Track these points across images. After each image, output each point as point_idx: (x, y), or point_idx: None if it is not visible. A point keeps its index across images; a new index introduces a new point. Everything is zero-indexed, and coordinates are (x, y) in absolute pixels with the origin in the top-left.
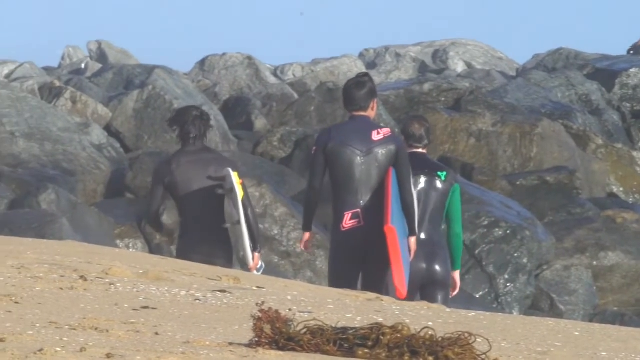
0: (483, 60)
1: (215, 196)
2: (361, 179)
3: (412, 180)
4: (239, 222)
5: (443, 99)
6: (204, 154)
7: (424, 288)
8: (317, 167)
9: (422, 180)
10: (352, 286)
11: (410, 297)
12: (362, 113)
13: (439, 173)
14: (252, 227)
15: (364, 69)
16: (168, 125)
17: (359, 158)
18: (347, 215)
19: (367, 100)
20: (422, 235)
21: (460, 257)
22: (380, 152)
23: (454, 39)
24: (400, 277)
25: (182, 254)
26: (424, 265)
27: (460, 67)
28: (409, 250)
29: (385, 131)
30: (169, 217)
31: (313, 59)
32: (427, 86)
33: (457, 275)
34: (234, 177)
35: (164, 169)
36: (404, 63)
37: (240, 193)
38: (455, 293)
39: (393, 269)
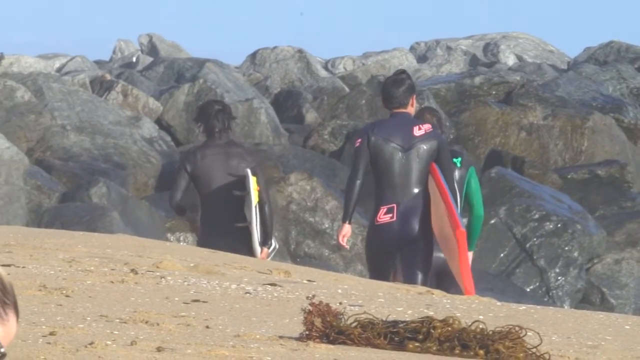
0: (534, 53)
1: (240, 182)
2: (401, 174)
3: (453, 175)
4: (250, 224)
5: (494, 92)
6: (229, 147)
7: (440, 276)
8: (360, 160)
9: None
10: (384, 279)
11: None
12: (402, 110)
13: (454, 160)
14: (266, 224)
15: (414, 63)
16: (194, 121)
17: (400, 154)
18: (383, 210)
19: (406, 97)
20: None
21: (476, 239)
22: (422, 147)
23: (505, 32)
24: (469, 278)
25: (203, 245)
26: (440, 255)
27: (511, 61)
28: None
29: (427, 127)
30: None
31: (364, 52)
32: (478, 79)
33: (470, 256)
34: (252, 181)
35: (189, 159)
36: (454, 56)
37: (255, 199)
38: None
39: (462, 273)
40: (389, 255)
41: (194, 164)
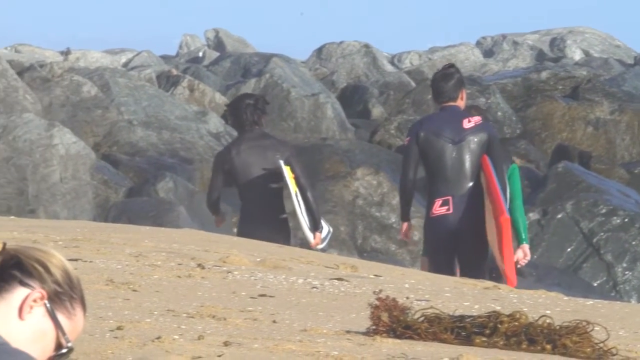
0: (600, 48)
1: (276, 174)
2: (453, 167)
3: (504, 167)
4: (295, 213)
5: (560, 87)
6: (262, 140)
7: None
8: (410, 158)
9: None
10: (445, 271)
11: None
12: (452, 103)
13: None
14: (312, 209)
15: (481, 57)
16: (227, 114)
17: (450, 147)
18: (438, 202)
19: (456, 91)
20: None
21: (524, 230)
22: (472, 140)
23: (572, 27)
24: (511, 266)
25: (241, 237)
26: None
27: (577, 55)
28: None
29: (476, 119)
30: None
31: (430, 47)
32: (544, 74)
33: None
34: (287, 172)
35: (224, 157)
36: (521, 51)
37: (293, 188)
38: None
39: (505, 259)
40: (448, 247)
41: (229, 160)
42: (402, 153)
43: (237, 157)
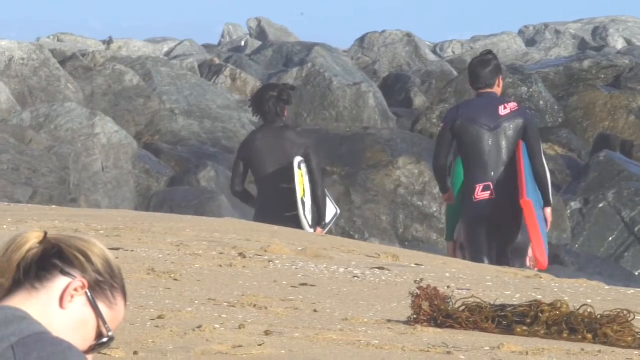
0: None
1: (288, 173)
2: (490, 153)
3: (542, 152)
4: (298, 214)
5: (602, 76)
6: (282, 132)
7: None
8: (443, 144)
9: None
10: (486, 255)
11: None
12: (489, 90)
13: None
14: (319, 206)
15: (523, 46)
16: (249, 106)
17: (487, 133)
18: (479, 187)
19: (492, 78)
20: None
21: (450, 225)
22: (509, 126)
23: (614, 15)
24: (540, 248)
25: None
26: None
27: (620, 44)
28: (545, 221)
29: (512, 105)
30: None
31: (472, 36)
32: (586, 63)
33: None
34: (297, 175)
35: (244, 145)
36: (563, 40)
37: (300, 192)
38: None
39: (532, 241)
40: (487, 231)
41: (248, 149)
42: (437, 139)
43: (255, 147)
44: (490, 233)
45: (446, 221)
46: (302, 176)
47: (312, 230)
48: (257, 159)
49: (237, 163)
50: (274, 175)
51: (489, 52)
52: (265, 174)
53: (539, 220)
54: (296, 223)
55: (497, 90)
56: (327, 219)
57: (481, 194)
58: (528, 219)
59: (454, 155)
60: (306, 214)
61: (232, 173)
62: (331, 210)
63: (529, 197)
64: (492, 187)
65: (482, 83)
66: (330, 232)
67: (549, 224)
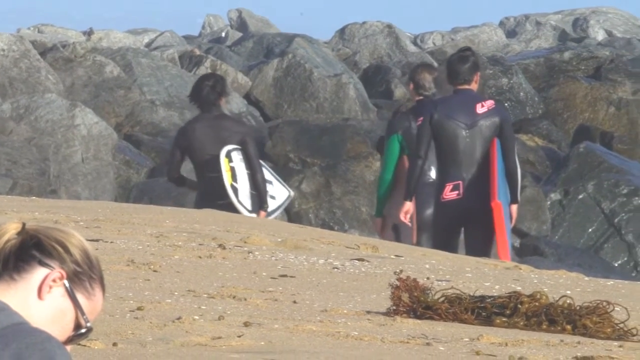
0: (623, 28)
1: (218, 162)
2: (465, 151)
3: (515, 150)
4: (230, 202)
5: (583, 67)
6: (220, 120)
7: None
8: (423, 137)
9: None
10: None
11: (422, 243)
12: (466, 86)
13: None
14: (259, 190)
15: (504, 38)
16: (188, 96)
17: (463, 131)
18: (448, 187)
19: (470, 74)
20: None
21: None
22: (485, 124)
23: (595, 7)
24: (505, 251)
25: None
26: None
27: (600, 36)
28: (510, 217)
29: (489, 103)
30: (308, 186)
31: (453, 27)
32: (567, 55)
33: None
34: (224, 163)
35: (182, 133)
36: (544, 31)
37: (228, 180)
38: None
39: (498, 244)
40: (456, 231)
41: (186, 137)
42: (416, 133)
43: (193, 135)
44: (456, 233)
45: (377, 197)
46: (228, 164)
47: (253, 215)
48: (194, 147)
49: (174, 151)
50: (206, 164)
51: (468, 48)
52: (201, 162)
53: (506, 218)
54: (232, 210)
55: (475, 86)
56: (279, 202)
57: (449, 193)
58: (497, 221)
59: (387, 134)
60: (241, 200)
61: (169, 161)
62: (283, 193)
63: (500, 199)
64: (461, 186)
65: (460, 79)
66: (308, 223)
67: (513, 220)
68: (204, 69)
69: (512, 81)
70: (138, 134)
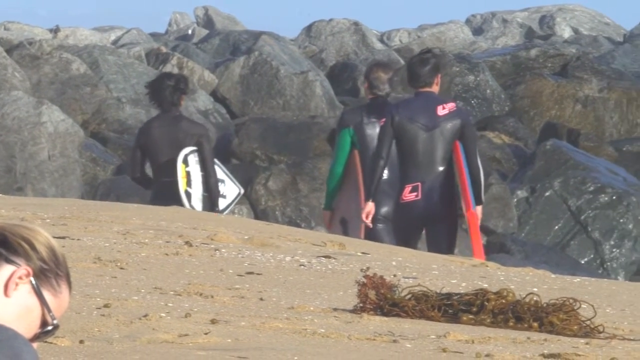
0: (590, 25)
1: (174, 167)
2: (425, 153)
3: (477, 152)
4: (182, 204)
5: (549, 64)
6: (177, 120)
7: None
8: (385, 138)
9: None
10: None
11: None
12: (427, 89)
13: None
14: (212, 193)
15: (470, 35)
16: (146, 94)
17: (424, 133)
18: (407, 188)
19: (431, 77)
20: (387, 175)
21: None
22: (446, 126)
23: (561, 4)
24: (481, 256)
25: None
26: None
27: (567, 33)
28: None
29: (450, 106)
30: (275, 183)
31: (419, 24)
32: (533, 52)
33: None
34: (180, 169)
35: (142, 133)
36: (510, 29)
37: (183, 187)
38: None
39: (474, 250)
40: (415, 232)
41: (145, 136)
42: (378, 134)
43: (151, 134)
44: (416, 235)
45: (327, 190)
46: (184, 169)
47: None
48: (152, 147)
49: (135, 150)
50: (161, 168)
51: (429, 50)
52: (157, 164)
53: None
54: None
55: (436, 88)
56: (229, 200)
57: (408, 195)
58: (472, 230)
59: (338, 128)
60: (193, 204)
61: (130, 160)
62: (234, 191)
63: (474, 208)
64: (419, 188)
65: (421, 82)
66: (275, 221)
67: (479, 221)
68: (170, 67)
69: (478, 78)
70: (105, 131)
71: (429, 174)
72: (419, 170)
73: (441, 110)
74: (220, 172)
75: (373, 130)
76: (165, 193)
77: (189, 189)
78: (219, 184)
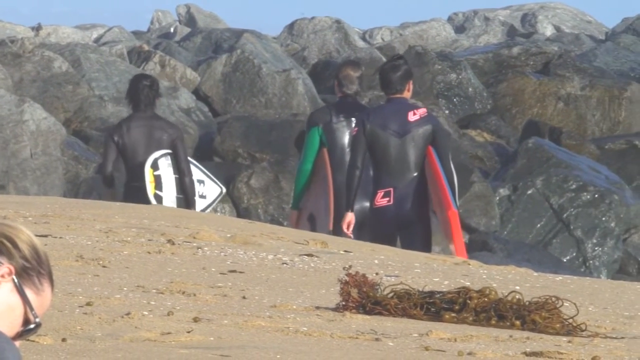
0: (572, 23)
1: (142, 171)
2: (397, 159)
3: (449, 157)
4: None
5: (531, 62)
6: (153, 120)
7: (358, 227)
8: (358, 147)
9: (354, 123)
10: None
11: (339, 235)
12: (399, 95)
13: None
14: (187, 195)
15: (452, 33)
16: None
17: (396, 140)
18: (380, 193)
19: (402, 83)
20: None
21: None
22: (417, 132)
23: (543, 2)
24: (463, 255)
25: None
26: (366, 204)
27: (549, 31)
28: None
29: (422, 111)
30: (257, 181)
31: (402, 22)
32: (515, 50)
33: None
34: (148, 174)
35: (117, 131)
36: (492, 27)
37: (151, 191)
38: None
39: (456, 249)
40: (389, 237)
41: (120, 135)
42: (351, 143)
43: (127, 134)
44: (390, 240)
45: (295, 189)
46: (152, 174)
47: None
48: (130, 145)
49: (109, 148)
50: (137, 168)
51: (400, 56)
52: (132, 164)
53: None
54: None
55: (407, 95)
56: (210, 200)
57: (380, 200)
58: (454, 230)
59: (307, 126)
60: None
61: (103, 157)
62: (215, 190)
63: (456, 207)
64: (392, 193)
65: (392, 89)
66: (258, 219)
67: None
68: (152, 65)
69: (460, 77)
70: (87, 129)
71: (402, 180)
72: (392, 177)
73: (412, 117)
74: (198, 172)
75: (342, 129)
76: (134, 198)
77: (158, 192)
78: (199, 184)
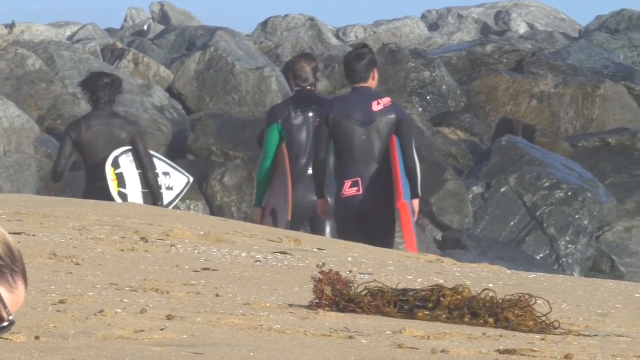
0: (545, 21)
1: (103, 171)
2: (362, 149)
3: (413, 147)
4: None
5: (505, 60)
6: (112, 119)
7: (314, 220)
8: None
9: (311, 116)
10: None
11: (296, 228)
12: (363, 84)
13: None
14: (152, 189)
15: (426, 31)
16: (80, 89)
17: (360, 129)
18: (347, 184)
19: (367, 72)
20: (310, 171)
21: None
22: (381, 122)
23: (517, 0)
24: (412, 246)
25: None
26: (313, 198)
27: (522, 29)
28: (413, 212)
29: (386, 101)
30: (231, 179)
31: (375, 20)
32: (489, 48)
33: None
34: (110, 173)
35: (75, 129)
36: (466, 24)
37: (115, 189)
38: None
39: (405, 240)
40: (357, 226)
41: (79, 133)
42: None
43: (86, 132)
44: (359, 228)
45: (256, 187)
46: (114, 172)
47: None
48: (89, 143)
49: (65, 145)
50: (99, 167)
51: (365, 45)
52: (93, 163)
53: (410, 214)
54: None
55: (372, 83)
56: (178, 191)
57: (349, 190)
58: (404, 221)
59: (267, 123)
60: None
61: (58, 153)
62: (182, 181)
63: (405, 199)
64: (360, 183)
65: (357, 77)
66: (231, 217)
67: (416, 215)
68: (126, 62)
69: (434, 74)
70: (60, 127)
71: (368, 170)
72: (357, 166)
73: (376, 106)
74: (163, 165)
75: (300, 123)
76: (98, 198)
77: (122, 190)
78: (165, 177)
